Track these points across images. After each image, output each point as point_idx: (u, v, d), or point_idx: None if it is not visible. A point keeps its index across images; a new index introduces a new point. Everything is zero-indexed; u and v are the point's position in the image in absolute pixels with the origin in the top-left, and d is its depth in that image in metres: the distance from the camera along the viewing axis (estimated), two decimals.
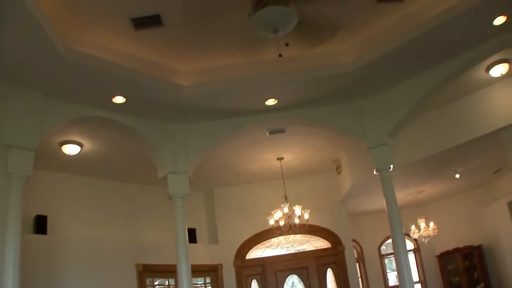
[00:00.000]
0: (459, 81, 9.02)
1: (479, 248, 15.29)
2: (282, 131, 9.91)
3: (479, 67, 8.86)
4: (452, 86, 9.02)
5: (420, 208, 16.20)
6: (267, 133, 9.92)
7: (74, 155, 9.63)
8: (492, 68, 8.97)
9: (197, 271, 10.96)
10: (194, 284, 11.75)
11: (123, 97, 7.92)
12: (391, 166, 8.97)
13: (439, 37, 7.49)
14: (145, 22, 6.78)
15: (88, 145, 9.61)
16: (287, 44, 6.60)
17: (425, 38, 7.47)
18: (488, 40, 7.80)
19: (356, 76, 8.31)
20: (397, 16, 7.53)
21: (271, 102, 8.76)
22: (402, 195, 14.07)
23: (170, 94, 8.08)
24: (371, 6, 7.19)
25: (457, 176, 13.11)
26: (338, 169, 13.05)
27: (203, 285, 12.54)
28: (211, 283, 12.69)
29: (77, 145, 9.47)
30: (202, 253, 12.38)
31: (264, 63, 7.95)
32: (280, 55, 6.65)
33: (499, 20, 7.29)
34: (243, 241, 13.07)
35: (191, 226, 11.86)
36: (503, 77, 9.36)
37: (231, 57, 7.99)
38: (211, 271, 12.65)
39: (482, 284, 14.87)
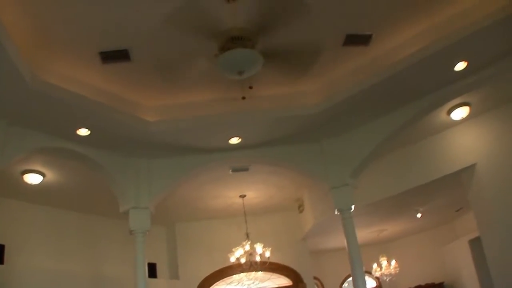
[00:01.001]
0: (422, 123, 9.20)
1: (440, 285, 15.43)
2: (245, 169, 10.00)
3: (440, 110, 9.03)
4: (414, 128, 9.24)
5: (382, 246, 16.31)
6: (230, 171, 9.97)
7: (36, 184, 9.50)
8: (453, 111, 9.16)
9: None
10: None
11: (87, 130, 7.87)
12: (352, 206, 9.07)
13: (402, 81, 7.68)
14: (113, 56, 6.80)
15: (50, 175, 9.48)
16: (251, 87, 6.71)
17: (388, 82, 7.64)
18: (449, 84, 8.05)
19: (320, 117, 8.43)
20: (362, 60, 7.69)
21: (235, 140, 8.82)
22: (364, 234, 14.20)
23: (135, 129, 8.06)
24: (336, 49, 7.33)
25: (419, 215, 13.26)
26: (300, 208, 13.10)
27: None
28: None
29: (40, 174, 9.33)
30: None
31: (229, 101, 7.99)
32: (243, 98, 6.73)
33: (460, 66, 7.53)
34: (204, 277, 12.93)
35: (152, 261, 11.79)
36: (463, 120, 9.57)
37: (197, 95, 8.04)
38: None
39: None
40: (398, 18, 6.93)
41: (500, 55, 7.49)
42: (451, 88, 8.10)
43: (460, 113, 9.19)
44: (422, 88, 8.02)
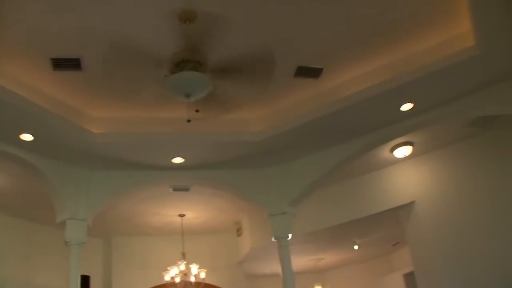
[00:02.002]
0: (365, 158, 9.39)
1: None
2: (186, 189, 10.00)
3: (384, 147, 9.24)
4: (357, 162, 9.38)
5: (319, 275, 16.33)
6: (171, 189, 9.96)
7: None
8: (397, 149, 9.38)
9: None
10: None
11: (31, 135, 7.68)
12: (290, 235, 9.13)
13: (349, 116, 7.83)
14: (65, 64, 6.70)
15: None
16: (197, 111, 6.69)
17: (335, 116, 7.78)
18: (394, 123, 8.25)
19: (264, 145, 8.49)
20: (311, 92, 7.82)
21: (178, 160, 8.78)
22: (302, 261, 14.28)
23: (78, 139, 7.92)
24: (287, 79, 7.45)
25: (356, 247, 13.40)
26: (238, 231, 13.09)
27: None
28: None
29: None
30: None
31: (175, 121, 7.96)
32: (188, 120, 6.71)
33: (406, 107, 7.75)
34: None
35: (86, 273, 11.58)
36: (406, 158, 9.80)
37: (144, 111, 8.01)
38: None
39: None
40: (350, 56, 7.10)
41: (445, 100, 7.78)
42: (396, 127, 8.30)
43: (403, 151, 9.41)
44: (367, 124, 8.19)
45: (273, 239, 9.24)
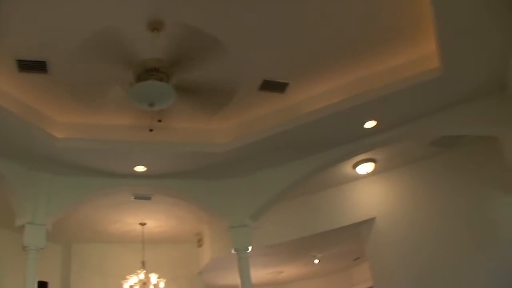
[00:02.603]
0: (327, 173, 9.50)
1: None
2: (147, 198, 9.93)
3: (346, 163, 9.35)
4: (319, 177, 9.43)
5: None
6: (132, 197, 9.89)
7: None
8: (359, 166, 9.48)
9: None
10: None
11: None
12: (250, 247, 9.13)
13: (312, 132, 7.89)
14: (30, 66, 6.62)
15: None
16: (159, 121, 6.64)
17: (298, 131, 7.82)
18: (358, 140, 8.32)
19: (227, 157, 8.47)
20: (276, 106, 7.87)
21: (140, 168, 8.73)
22: (262, 274, 14.28)
23: (41, 142, 7.79)
24: (252, 92, 7.48)
25: (316, 261, 13.45)
26: (199, 242, 13.03)
27: None
28: None
29: None
30: None
31: (139, 129, 7.80)
32: (151, 130, 6.68)
33: (370, 124, 7.84)
34: None
35: (44, 279, 11.41)
36: (368, 175, 9.90)
37: (109, 118, 7.96)
38: None
39: None
40: (316, 72, 7.17)
41: (408, 119, 7.90)
42: (359, 144, 8.38)
43: (365, 168, 9.52)
44: (331, 140, 8.26)
45: (233, 251, 9.23)
